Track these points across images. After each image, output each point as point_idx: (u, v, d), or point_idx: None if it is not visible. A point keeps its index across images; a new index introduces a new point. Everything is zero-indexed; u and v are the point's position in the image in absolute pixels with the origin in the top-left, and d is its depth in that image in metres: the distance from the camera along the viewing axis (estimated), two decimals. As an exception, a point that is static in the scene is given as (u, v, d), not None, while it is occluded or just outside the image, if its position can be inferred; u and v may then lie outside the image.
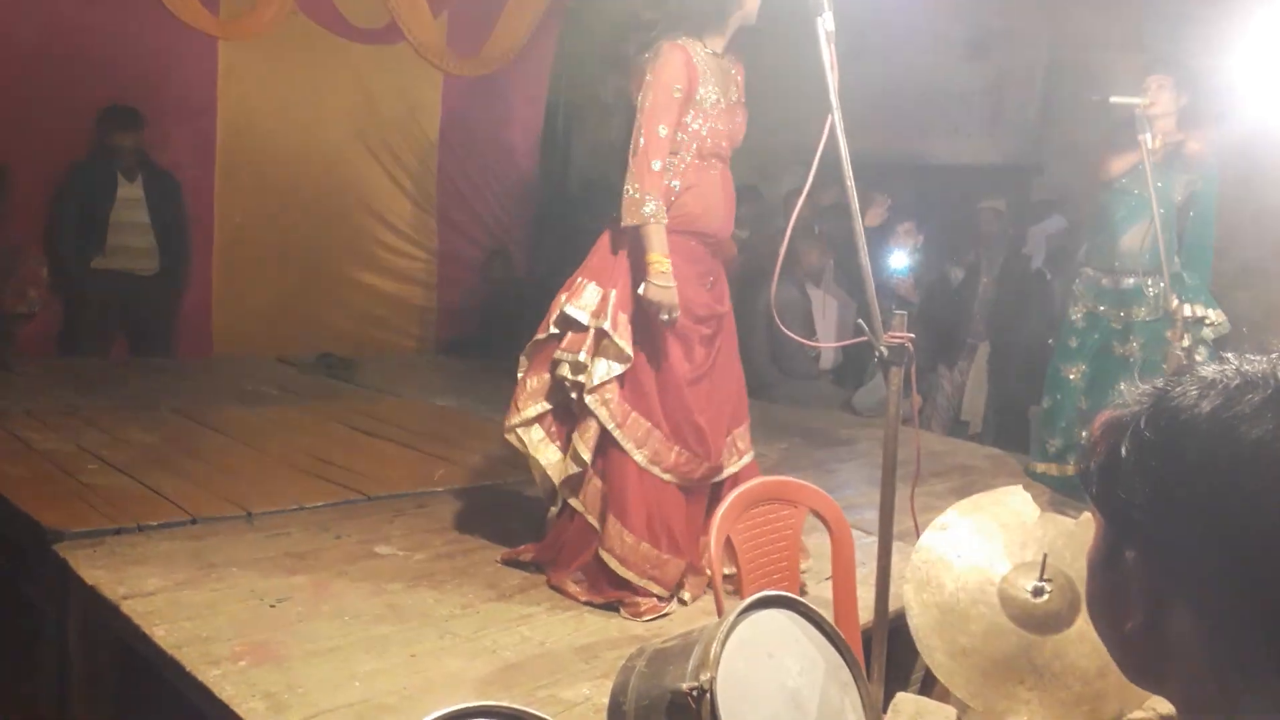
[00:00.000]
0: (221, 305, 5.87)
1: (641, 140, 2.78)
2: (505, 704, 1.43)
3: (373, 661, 2.38)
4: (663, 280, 2.77)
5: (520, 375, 3.01)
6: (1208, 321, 4.05)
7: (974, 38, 6.42)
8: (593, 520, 2.91)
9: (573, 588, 2.88)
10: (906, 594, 2.08)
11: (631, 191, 2.78)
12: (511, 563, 3.05)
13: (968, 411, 5.89)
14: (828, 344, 5.80)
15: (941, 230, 6.30)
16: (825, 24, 2.12)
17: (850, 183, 2.13)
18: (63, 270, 5.24)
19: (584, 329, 2.86)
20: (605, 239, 2.95)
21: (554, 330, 2.93)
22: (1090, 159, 4.32)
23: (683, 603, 2.92)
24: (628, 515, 2.84)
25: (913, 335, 2.12)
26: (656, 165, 2.78)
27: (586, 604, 2.84)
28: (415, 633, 2.56)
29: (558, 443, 2.97)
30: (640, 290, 2.81)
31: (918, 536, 2.19)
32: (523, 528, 3.26)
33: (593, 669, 2.45)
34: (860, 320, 2.15)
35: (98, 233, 5.27)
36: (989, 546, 2.08)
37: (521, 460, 3.05)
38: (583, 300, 2.88)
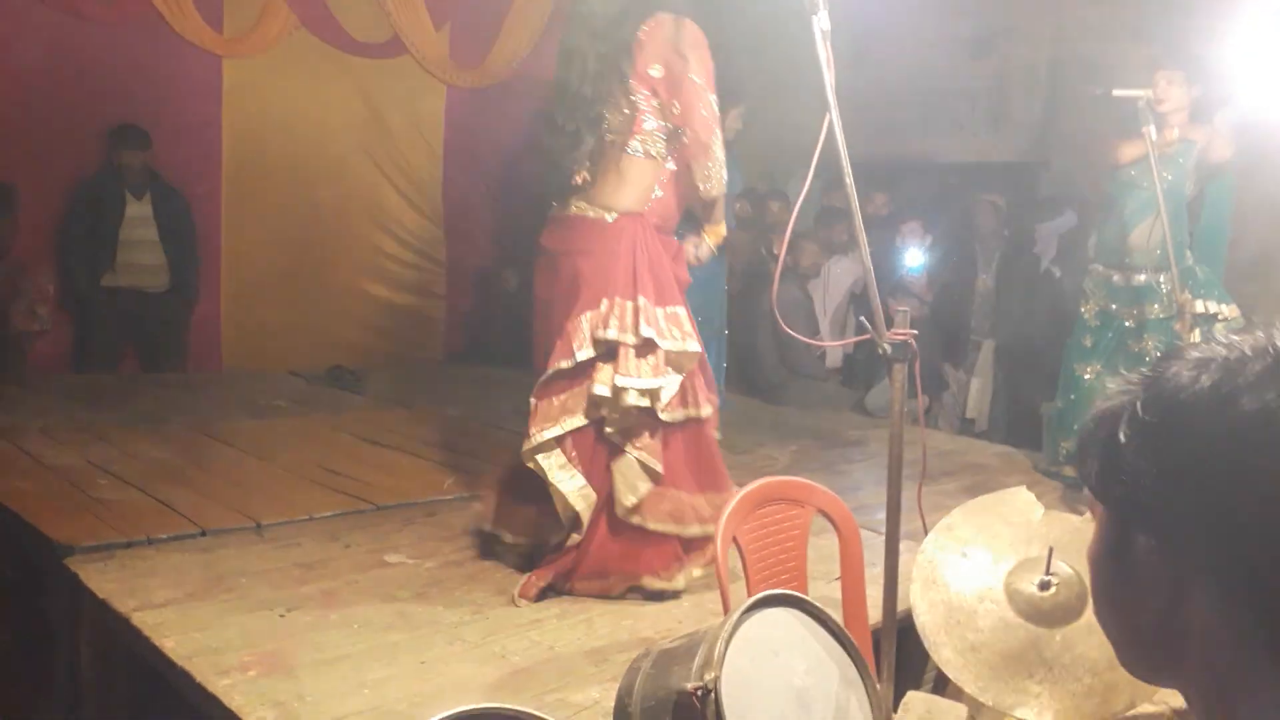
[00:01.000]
0: (231, 320, 5.90)
1: (715, 110, 2.77)
2: (508, 706, 1.42)
3: (382, 669, 2.38)
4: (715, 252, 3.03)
5: (533, 401, 2.86)
6: (1220, 317, 3.93)
7: (977, 35, 6.39)
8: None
9: (596, 585, 2.87)
10: (913, 593, 2.07)
11: (720, 158, 2.78)
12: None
13: (973, 409, 5.85)
14: (831, 343, 5.79)
15: (949, 229, 6.27)
16: (820, 22, 2.11)
17: (850, 180, 2.13)
18: (72, 288, 5.29)
19: (641, 347, 2.74)
20: (591, 246, 2.84)
21: (580, 359, 2.78)
22: (1098, 149, 4.24)
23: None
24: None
25: (915, 332, 2.11)
26: None
27: (601, 597, 2.84)
28: (425, 640, 2.56)
29: (579, 468, 2.84)
30: (695, 250, 2.94)
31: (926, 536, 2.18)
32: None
33: (602, 672, 2.44)
34: (862, 319, 2.14)
35: (107, 250, 5.32)
36: (994, 544, 2.07)
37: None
38: (613, 321, 2.75)
